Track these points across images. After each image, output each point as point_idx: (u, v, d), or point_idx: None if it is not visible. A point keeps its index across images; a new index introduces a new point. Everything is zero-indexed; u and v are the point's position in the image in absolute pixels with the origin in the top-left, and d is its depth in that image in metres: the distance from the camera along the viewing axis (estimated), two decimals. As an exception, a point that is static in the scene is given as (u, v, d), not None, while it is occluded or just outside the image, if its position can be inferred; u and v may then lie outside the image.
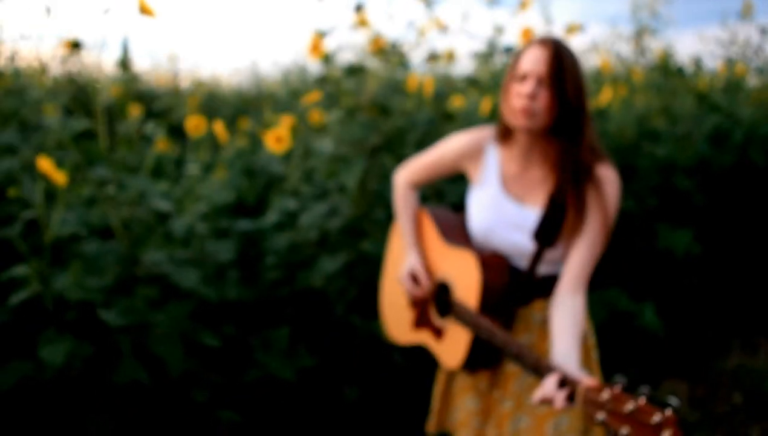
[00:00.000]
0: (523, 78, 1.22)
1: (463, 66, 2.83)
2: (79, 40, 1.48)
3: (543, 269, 1.32)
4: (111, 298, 1.71)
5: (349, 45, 2.53)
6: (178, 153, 2.89)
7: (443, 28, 2.28)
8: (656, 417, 0.86)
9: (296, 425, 2.12)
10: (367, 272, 2.14)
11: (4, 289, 1.67)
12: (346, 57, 2.86)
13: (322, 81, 2.94)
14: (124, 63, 1.48)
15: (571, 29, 2.19)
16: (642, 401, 0.89)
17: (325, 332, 2.24)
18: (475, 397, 1.44)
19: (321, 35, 2.98)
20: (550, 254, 1.30)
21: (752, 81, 3.87)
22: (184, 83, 4.59)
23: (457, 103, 2.41)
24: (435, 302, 1.48)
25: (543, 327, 1.35)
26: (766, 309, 3.27)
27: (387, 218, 2.37)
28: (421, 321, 1.52)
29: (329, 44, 2.99)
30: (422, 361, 2.22)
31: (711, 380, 2.66)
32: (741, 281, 3.28)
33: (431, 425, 1.57)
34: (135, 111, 3.23)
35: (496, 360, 1.37)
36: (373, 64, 2.36)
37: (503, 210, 1.32)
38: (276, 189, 2.95)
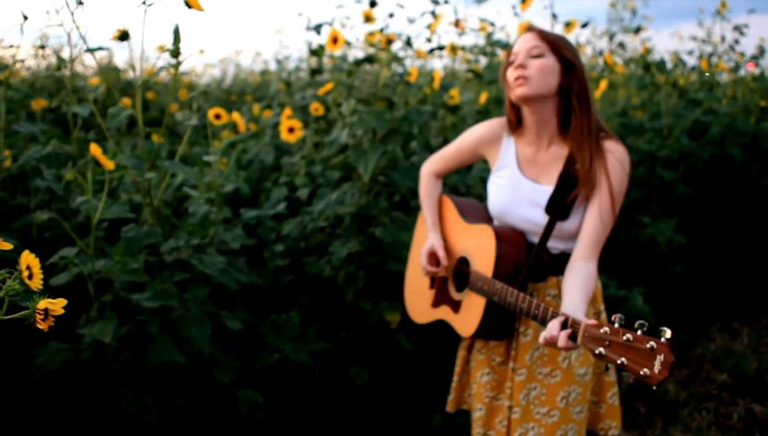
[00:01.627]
0: (514, 58, 1.36)
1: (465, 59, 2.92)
2: (127, 31, 1.50)
3: (558, 247, 1.42)
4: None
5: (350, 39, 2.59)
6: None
7: (449, 25, 2.36)
8: (650, 343, 0.96)
9: (310, 407, 2.18)
10: (376, 258, 2.22)
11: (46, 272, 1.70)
12: (347, 51, 2.94)
13: (316, 73, 3.00)
14: (176, 52, 1.49)
15: (570, 25, 2.30)
16: (638, 331, 0.98)
17: (335, 318, 2.31)
18: (489, 371, 1.54)
19: (318, 28, 3.04)
20: (563, 228, 1.38)
21: (727, 77, 4.06)
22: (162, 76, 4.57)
23: (456, 95, 2.50)
24: (453, 279, 1.57)
25: (556, 301, 1.45)
26: (745, 295, 3.47)
27: (396, 204, 2.45)
28: (440, 299, 1.62)
29: (322, 38, 3.06)
30: (428, 346, 2.32)
31: (695, 362, 2.83)
32: (722, 269, 3.47)
33: (450, 403, 1.67)
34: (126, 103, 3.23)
35: (508, 330, 1.47)
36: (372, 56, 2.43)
37: (520, 188, 1.43)
38: (269, 179, 3.01)
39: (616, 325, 1.01)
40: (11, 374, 1.76)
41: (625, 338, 0.99)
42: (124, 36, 1.59)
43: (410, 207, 2.47)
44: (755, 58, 3.75)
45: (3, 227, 2.06)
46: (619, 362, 0.99)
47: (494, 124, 1.52)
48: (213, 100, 3.88)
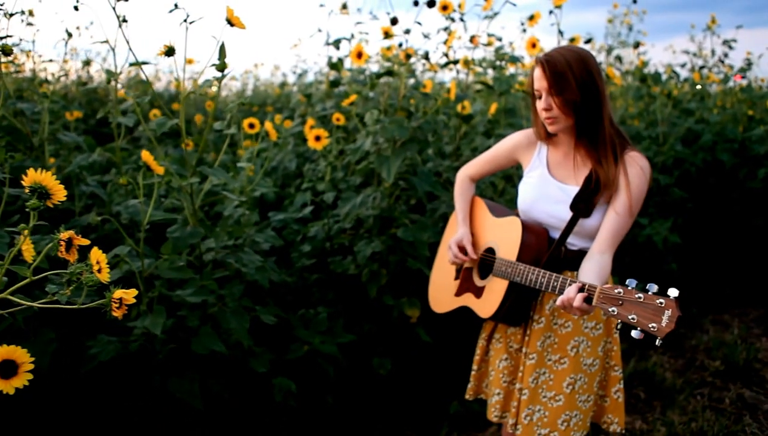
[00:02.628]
0: (539, 96, 1.51)
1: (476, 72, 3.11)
2: (173, 47, 1.66)
3: (576, 244, 1.57)
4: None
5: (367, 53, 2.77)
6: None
7: (457, 39, 2.55)
8: (659, 301, 1.10)
9: (337, 396, 2.34)
10: (397, 257, 2.38)
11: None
12: (363, 65, 3.11)
13: (335, 85, 3.18)
14: (222, 66, 1.64)
15: (574, 41, 2.49)
16: (649, 291, 1.12)
17: (359, 313, 2.46)
18: (506, 356, 1.69)
19: (337, 43, 3.22)
20: (584, 225, 1.53)
21: (717, 88, 4.28)
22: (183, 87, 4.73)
23: (467, 105, 2.68)
24: (478, 269, 1.74)
25: None
26: (736, 290, 3.66)
27: (412, 208, 2.62)
28: (464, 288, 1.78)
29: (341, 52, 3.24)
30: (446, 339, 2.48)
31: (690, 352, 3.01)
32: (714, 266, 3.67)
33: (469, 391, 1.81)
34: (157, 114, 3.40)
35: (524, 314, 1.62)
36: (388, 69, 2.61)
37: (547, 188, 1.58)
38: (293, 185, 3.17)
39: (629, 287, 1.16)
40: (66, 364, 1.90)
41: (637, 296, 1.13)
42: (170, 52, 1.75)
43: (425, 210, 2.65)
44: (743, 70, 3.96)
45: (51, 229, 2.22)
46: (630, 317, 1.13)
47: (530, 132, 1.68)
48: (228, 111, 4.03)
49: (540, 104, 1.49)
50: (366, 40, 2.94)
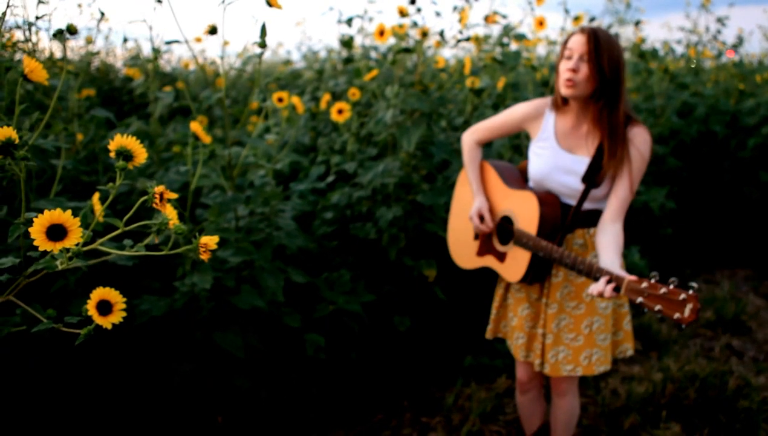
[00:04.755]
0: (569, 57, 1.64)
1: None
2: (216, 26, 1.80)
3: (587, 206, 1.74)
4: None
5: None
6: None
7: (471, 20, 2.69)
8: (682, 296, 1.27)
9: (361, 352, 2.53)
10: (416, 221, 2.56)
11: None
12: (373, 43, 3.25)
13: (348, 61, 3.32)
14: (263, 44, 1.77)
15: (578, 19, 2.65)
16: (671, 286, 1.29)
17: (379, 275, 2.64)
18: (528, 305, 1.87)
19: (349, 21, 3.36)
20: (595, 193, 1.71)
21: (711, 63, 4.45)
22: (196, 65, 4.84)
23: (476, 80, 2.84)
24: (497, 233, 1.91)
25: (582, 249, 1.78)
26: (725, 251, 3.90)
27: (425, 176, 2.79)
28: (485, 250, 1.95)
29: (352, 30, 3.37)
30: (460, 298, 2.68)
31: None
32: (706, 230, 3.89)
33: (489, 332, 2.00)
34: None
35: (546, 275, 1.81)
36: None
37: (558, 158, 1.74)
38: (309, 157, 3.32)
39: (653, 281, 1.33)
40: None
41: (662, 291, 1.30)
42: (213, 30, 1.89)
43: (436, 179, 2.82)
44: (735, 47, 4.13)
45: (83, 198, 2.36)
46: (656, 308, 1.30)
47: (539, 103, 1.83)
48: (239, 87, 4.16)
49: (569, 63, 1.62)
50: (372, 19, 3.07)
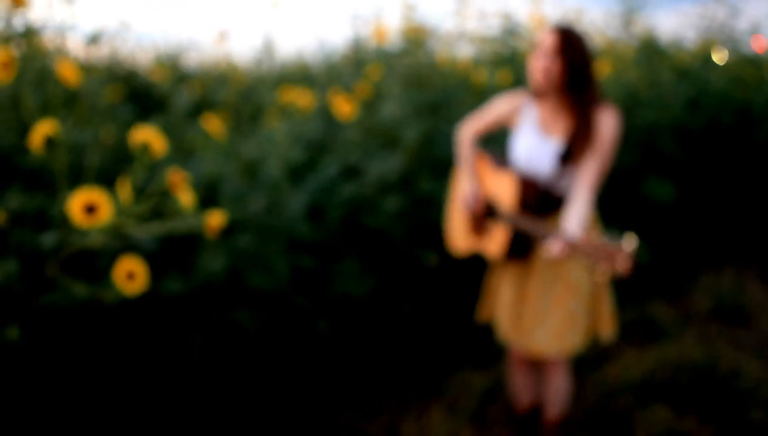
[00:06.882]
0: (542, 53, 1.80)
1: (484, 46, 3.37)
2: (233, 29, 1.97)
3: (563, 186, 1.88)
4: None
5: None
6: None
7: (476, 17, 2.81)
8: (614, 248, 1.46)
9: (369, 334, 2.68)
10: (419, 211, 2.69)
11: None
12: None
13: (351, 60, 3.46)
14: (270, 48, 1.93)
15: (577, 14, 2.73)
16: (611, 243, 1.47)
17: (383, 262, 2.79)
18: (513, 287, 2.00)
19: (358, 19, 3.48)
20: (569, 172, 1.85)
21: (722, 54, 4.44)
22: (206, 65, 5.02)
23: (478, 77, 2.95)
24: (486, 216, 2.04)
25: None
26: (729, 243, 3.94)
27: (436, 165, 2.91)
28: (475, 233, 2.08)
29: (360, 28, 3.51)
30: (459, 282, 2.80)
31: (685, 297, 3.31)
32: (709, 223, 3.93)
33: (480, 315, 2.14)
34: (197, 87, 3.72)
35: (527, 251, 1.93)
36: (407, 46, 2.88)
37: (539, 144, 1.89)
38: (316, 151, 3.47)
39: (602, 241, 1.51)
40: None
41: (602, 247, 1.48)
42: (229, 33, 2.06)
43: (439, 169, 2.94)
44: (757, 34, 4.10)
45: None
46: (597, 263, 1.49)
47: (516, 96, 1.99)
48: (255, 86, 4.32)
49: (540, 61, 1.81)
50: (381, 16, 3.19)
